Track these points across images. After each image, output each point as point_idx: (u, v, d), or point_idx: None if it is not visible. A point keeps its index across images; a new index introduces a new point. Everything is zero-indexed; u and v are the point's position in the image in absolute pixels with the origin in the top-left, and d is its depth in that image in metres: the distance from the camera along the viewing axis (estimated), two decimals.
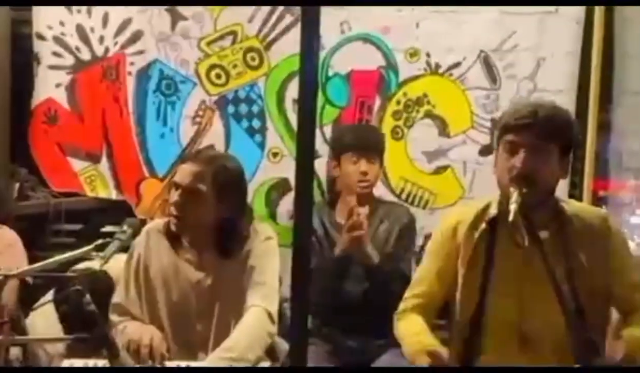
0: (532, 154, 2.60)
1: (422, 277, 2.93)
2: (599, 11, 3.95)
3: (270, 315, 2.99)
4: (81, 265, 3.03)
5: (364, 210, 3.54)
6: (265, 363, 2.91)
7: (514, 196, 2.48)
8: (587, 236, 2.70)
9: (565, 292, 2.41)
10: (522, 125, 2.62)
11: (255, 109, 4.24)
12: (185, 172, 3.05)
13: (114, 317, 3.06)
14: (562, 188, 3.92)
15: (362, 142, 3.76)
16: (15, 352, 3.23)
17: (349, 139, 3.77)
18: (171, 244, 3.13)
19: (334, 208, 3.80)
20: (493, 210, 2.77)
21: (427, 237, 3.88)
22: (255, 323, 2.96)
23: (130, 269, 3.15)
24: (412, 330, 2.84)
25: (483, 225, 2.77)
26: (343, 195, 3.77)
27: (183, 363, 2.82)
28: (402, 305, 2.95)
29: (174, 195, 3.04)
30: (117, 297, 3.15)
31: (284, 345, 3.13)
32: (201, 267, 3.09)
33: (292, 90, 4.17)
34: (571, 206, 2.80)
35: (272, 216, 4.25)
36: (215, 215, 3.05)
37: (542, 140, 2.61)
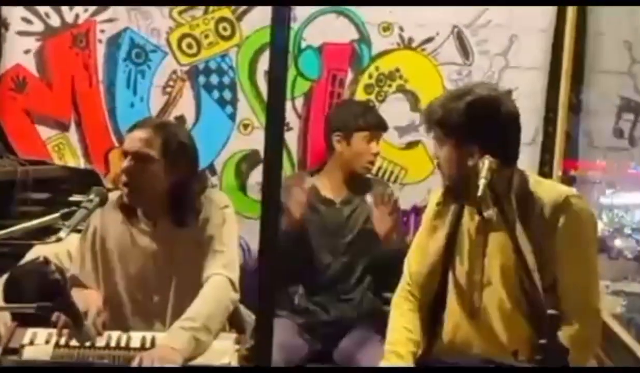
0: (438, 150, 2.76)
1: (412, 254, 2.98)
2: None
3: (232, 282, 2.98)
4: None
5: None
6: (232, 335, 2.91)
7: (483, 172, 2.47)
8: (539, 216, 2.68)
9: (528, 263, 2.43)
10: (426, 127, 2.81)
11: (226, 79, 4.21)
12: (133, 138, 3.03)
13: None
14: (533, 166, 3.97)
15: (382, 123, 3.79)
16: None
17: (370, 118, 3.75)
18: (126, 216, 3.09)
19: (318, 180, 3.79)
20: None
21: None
22: (217, 291, 2.95)
23: (86, 242, 3.13)
24: (394, 326, 2.91)
25: (449, 198, 2.80)
26: (334, 169, 3.75)
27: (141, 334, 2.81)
28: (398, 288, 3.00)
29: (124, 162, 3.01)
30: (73, 270, 3.13)
31: (251, 317, 3.13)
32: (156, 237, 3.07)
33: (264, 62, 4.12)
34: (535, 182, 2.77)
35: (242, 188, 4.23)
36: (166, 181, 3.02)
37: (439, 137, 2.72)
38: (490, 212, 2.59)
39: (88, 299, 2.94)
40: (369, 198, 3.73)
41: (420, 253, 2.91)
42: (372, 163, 3.76)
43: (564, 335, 2.54)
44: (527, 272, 2.47)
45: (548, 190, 2.74)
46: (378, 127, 3.75)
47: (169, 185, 3.02)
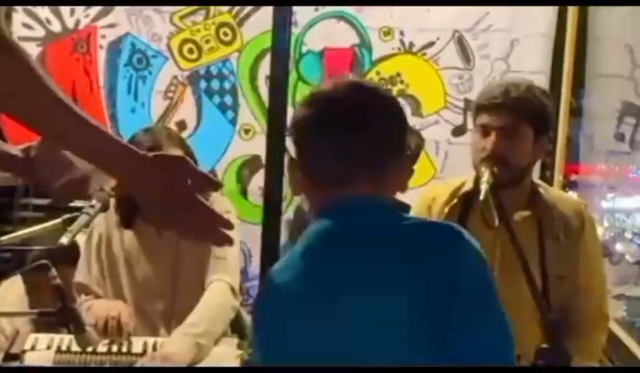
0: (503, 135, 2.59)
1: None
2: None
3: (232, 289, 2.98)
4: None
5: None
6: (233, 339, 2.91)
7: (485, 176, 2.48)
8: (561, 224, 2.70)
9: (534, 273, 2.41)
10: (493, 106, 2.62)
11: (227, 85, 4.21)
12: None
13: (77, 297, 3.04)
14: (534, 170, 3.95)
15: None
16: None
17: None
18: (129, 221, 3.10)
19: None
20: (466, 188, 2.77)
21: None
22: (219, 297, 2.95)
23: (91, 248, 3.12)
24: None
25: (455, 202, 2.77)
26: None
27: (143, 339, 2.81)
28: None
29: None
30: (78, 277, 3.13)
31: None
32: (160, 243, 3.08)
33: (265, 67, 4.07)
34: (549, 192, 2.79)
35: (243, 193, 4.22)
36: None
37: (514, 121, 2.60)
38: (495, 218, 2.58)
39: (117, 305, 2.94)
40: None
41: None
42: None
43: (579, 340, 2.56)
44: (544, 278, 2.50)
45: (564, 198, 2.79)
46: None
47: None
